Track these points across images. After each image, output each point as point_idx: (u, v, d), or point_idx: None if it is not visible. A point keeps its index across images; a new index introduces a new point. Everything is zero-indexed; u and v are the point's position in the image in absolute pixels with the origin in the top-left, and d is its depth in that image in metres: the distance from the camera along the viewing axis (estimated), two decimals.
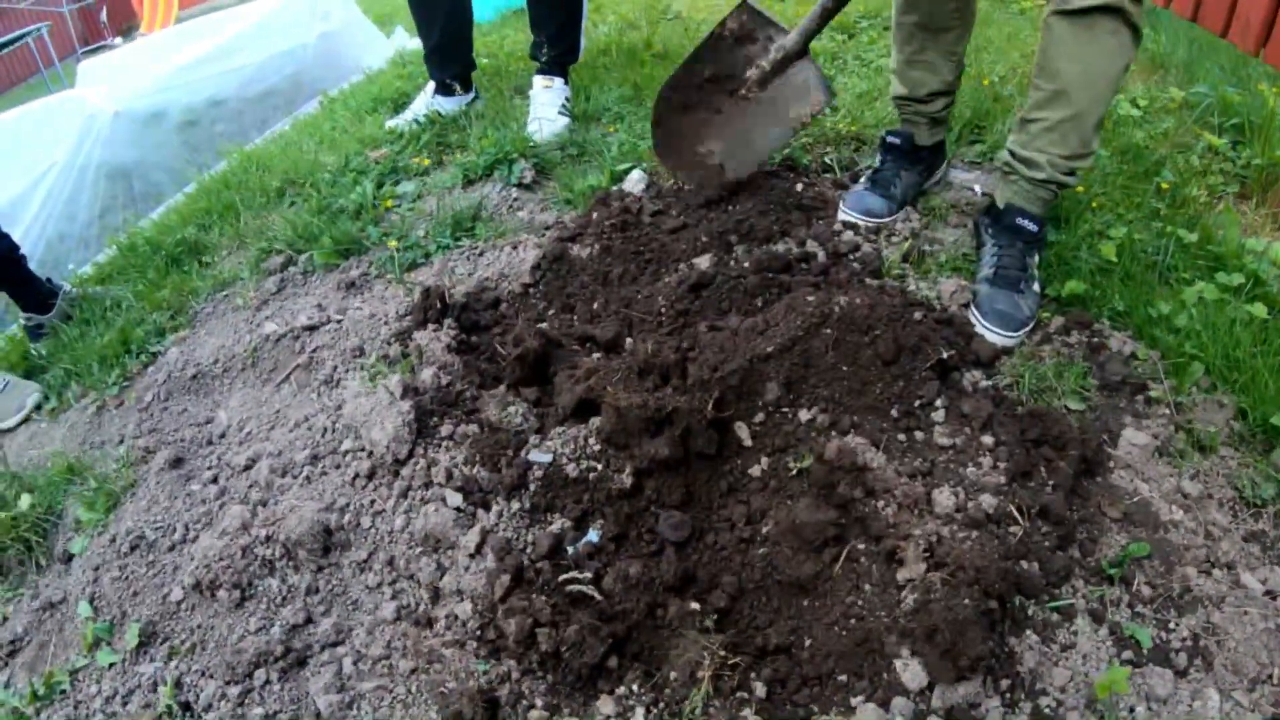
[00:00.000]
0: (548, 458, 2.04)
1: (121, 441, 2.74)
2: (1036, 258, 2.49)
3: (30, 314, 3.43)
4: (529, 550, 1.92)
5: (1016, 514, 1.80)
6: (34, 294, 3.42)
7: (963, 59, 2.79)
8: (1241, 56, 3.61)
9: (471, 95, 4.13)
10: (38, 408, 3.09)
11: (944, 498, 1.81)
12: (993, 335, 2.31)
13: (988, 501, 1.81)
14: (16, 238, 4.60)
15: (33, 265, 4.66)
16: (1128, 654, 1.70)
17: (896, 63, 2.80)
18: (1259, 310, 2.32)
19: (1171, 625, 1.75)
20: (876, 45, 4.30)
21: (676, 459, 1.91)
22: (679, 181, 3.12)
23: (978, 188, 2.99)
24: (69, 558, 2.43)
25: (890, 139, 2.88)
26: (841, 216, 2.83)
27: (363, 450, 2.21)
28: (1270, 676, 1.68)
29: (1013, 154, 2.45)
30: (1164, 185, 2.94)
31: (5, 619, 2.34)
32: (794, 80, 2.84)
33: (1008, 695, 1.65)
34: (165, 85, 5.15)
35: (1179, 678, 1.67)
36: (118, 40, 15.19)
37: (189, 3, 12.74)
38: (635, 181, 3.14)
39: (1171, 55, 4.08)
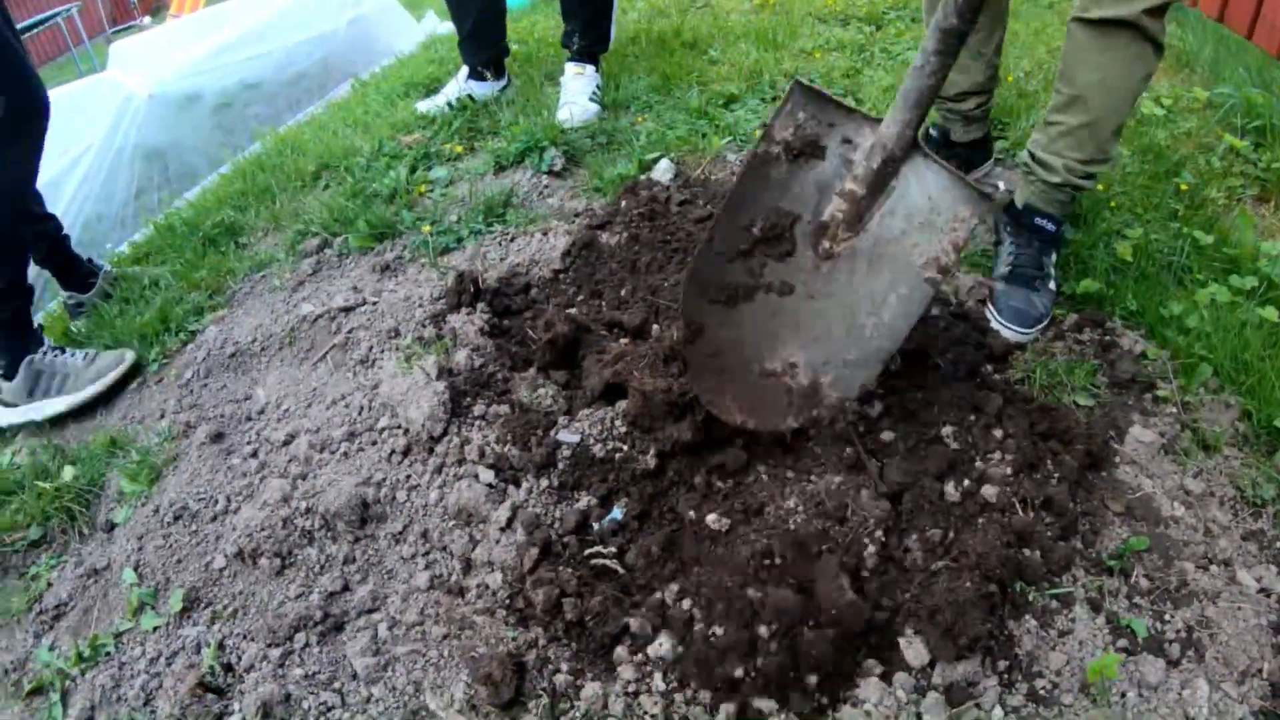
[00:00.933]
0: (576, 438, 2.17)
1: (162, 416, 2.86)
2: (1053, 256, 2.58)
3: (71, 292, 3.54)
4: (557, 526, 2.05)
5: (1020, 505, 1.91)
6: (76, 273, 3.52)
7: (995, 60, 2.83)
8: (1267, 58, 3.66)
9: (504, 82, 4.25)
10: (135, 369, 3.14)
11: (951, 488, 1.92)
12: (1007, 331, 2.40)
13: (992, 491, 1.92)
14: None
15: (70, 244, 4.84)
16: (1123, 642, 1.80)
17: None
18: (1270, 314, 2.39)
19: (1167, 617, 1.85)
20: (904, 38, 4.35)
21: (698, 443, 2.02)
22: (742, 423, 2.04)
23: (1000, 184, 3.06)
24: (111, 527, 2.55)
25: (930, 132, 2.96)
26: None
27: (399, 428, 2.34)
28: (1260, 670, 1.77)
29: (1032, 155, 2.53)
30: (1183, 186, 3.00)
31: (50, 585, 2.45)
32: (910, 198, 1.86)
33: (1005, 676, 1.76)
34: (199, 68, 5.27)
35: (1171, 667, 1.77)
36: (146, 20, 15.40)
37: None
38: (663, 171, 3.24)
39: (1198, 54, 4.12)
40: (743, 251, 1.92)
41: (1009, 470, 1.97)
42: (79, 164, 4.84)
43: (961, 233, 1.81)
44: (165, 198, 4.96)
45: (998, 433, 2.06)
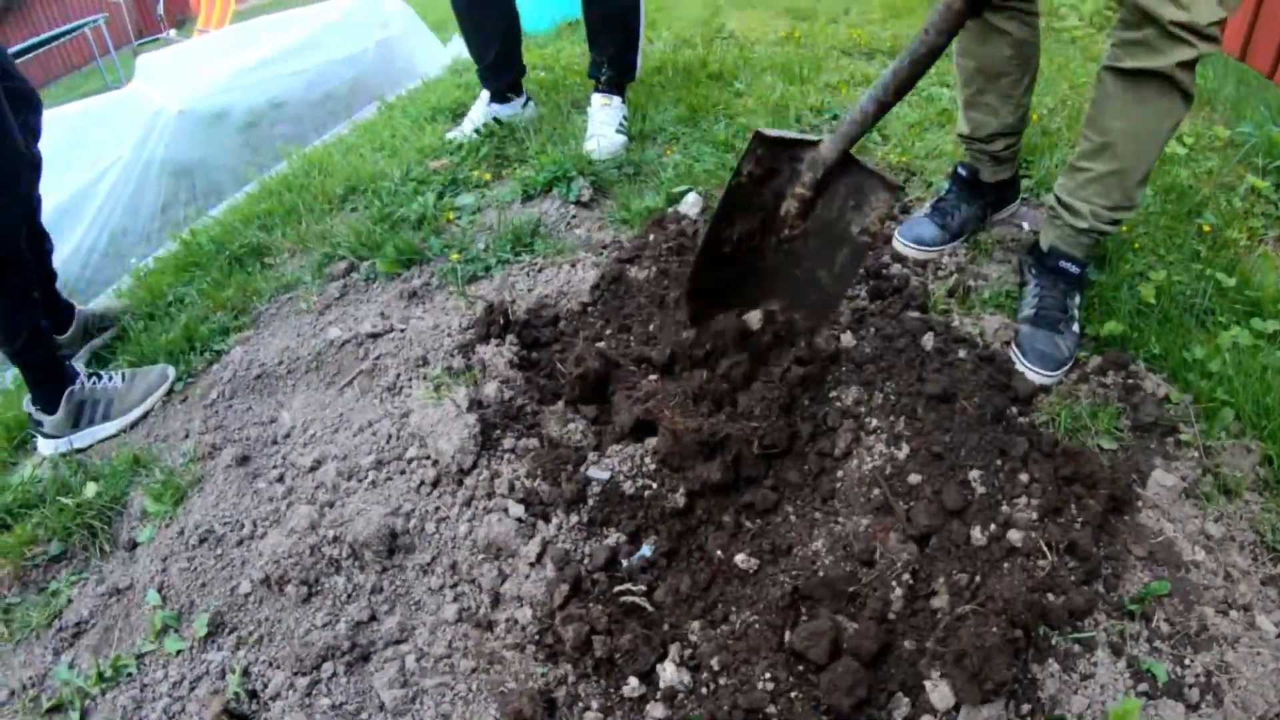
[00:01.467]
0: (606, 475, 2.21)
1: (187, 436, 2.90)
2: (1077, 299, 2.61)
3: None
4: (586, 562, 2.09)
5: (1045, 549, 1.93)
6: (55, 315, 3.40)
7: (1025, 101, 2.86)
8: None
9: (525, 98, 4.31)
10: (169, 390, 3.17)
11: (977, 532, 1.94)
12: (1032, 374, 2.43)
13: (1017, 536, 1.94)
14: (80, 230, 4.83)
15: (96, 256, 4.88)
16: (1143, 686, 1.83)
17: (960, 100, 2.91)
18: None
19: (1187, 661, 1.87)
20: (928, 74, 4.39)
21: (727, 483, 2.06)
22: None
23: (1025, 224, 3.09)
24: (133, 545, 2.59)
25: (959, 170, 3.00)
26: (894, 245, 2.95)
27: (428, 458, 2.37)
28: (1278, 715, 1.79)
29: (1058, 199, 2.56)
30: (1205, 228, 3.04)
31: (70, 601, 2.48)
32: (842, 191, 2.37)
33: (1028, 719, 1.78)
34: (228, 86, 5.34)
35: (1190, 711, 1.79)
36: (172, 32, 15.56)
37: None
38: (690, 204, 3.28)
39: (1219, 92, 4.16)
40: (727, 252, 2.44)
41: (1034, 515, 2.00)
42: (106, 176, 4.90)
43: (882, 209, 2.32)
44: (191, 213, 5.01)
45: (1023, 477, 2.09)
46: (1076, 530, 1.98)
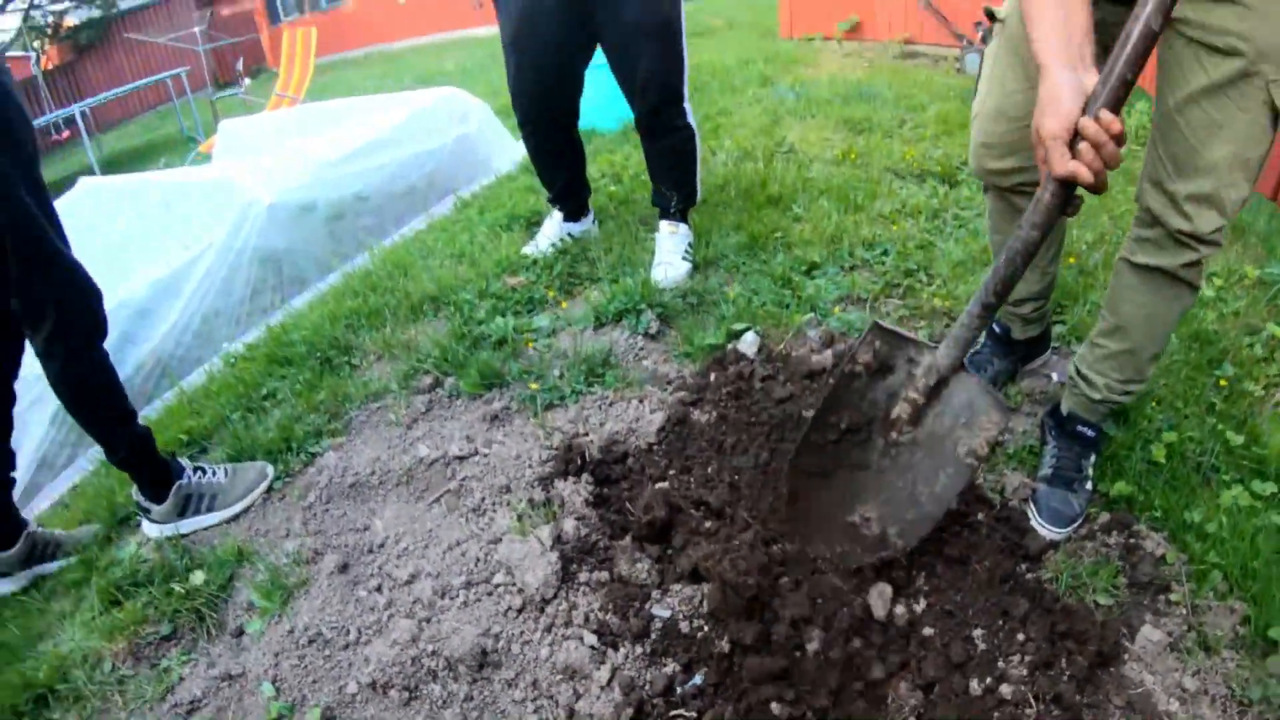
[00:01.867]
0: (667, 614, 2.66)
1: (287, 535, 3.31)
2: (1092, 459, 2.97)
3: None
4: (648, 687, 2.51)
5: (1032, 700, 2.35)
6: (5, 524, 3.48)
7: (1051, 269, 3.20)
8: None
9: (592, 217, 4.84)
10: (269, 488, 3.58)
11: (975, 684, 2.39)
12: (1044, 530, 2.80)
13: (1008, 690, 2.37)
14: (176, 310, 5.30)
15: (189, 336, 5.37)
16: None
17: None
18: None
19: None
20: (974, 202, 4.77)
21: (762, 641, 2.50)
22: (828, 561, 2.71)
23: (1054, 374, 3.47)
24: (240, 633, 2.97)
25: (993, 326, 3.35)
26: None
27: (514, 586, 2.83)
28: None
29: (1077, 369, 2.92)
30: (1223, 381, 3.33)
31: (181, 679, 2.85)
32: (955, 404, 2.51)
33: None
34: (315, 179, 5.85)
35: None
36: (247, 81, 16.49)
37: (324, 50, 13.86)
38: (749, 344, 3.70)
39: (1252, 225, 4.47)
40: (832, 442, 2.66)
41: (1025, 671, 2.41)
42: (199, 262, 5.35)
43: (992, 431, 2.47)
44: (276, 299, 5.52)
45: (1020, 636, 2.50)
46: (1064, 683, 2.36)
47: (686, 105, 4.41)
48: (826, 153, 5.90)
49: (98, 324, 3.18)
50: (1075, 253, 4.22)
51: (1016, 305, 3.29)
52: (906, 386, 2.54)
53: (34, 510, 4.14)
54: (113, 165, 16.43)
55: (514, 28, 4.23)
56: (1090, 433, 2.95)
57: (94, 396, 3.24)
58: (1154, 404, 3.26)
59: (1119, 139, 1.96)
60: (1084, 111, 1.98)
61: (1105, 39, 2.15)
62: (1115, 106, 1.95)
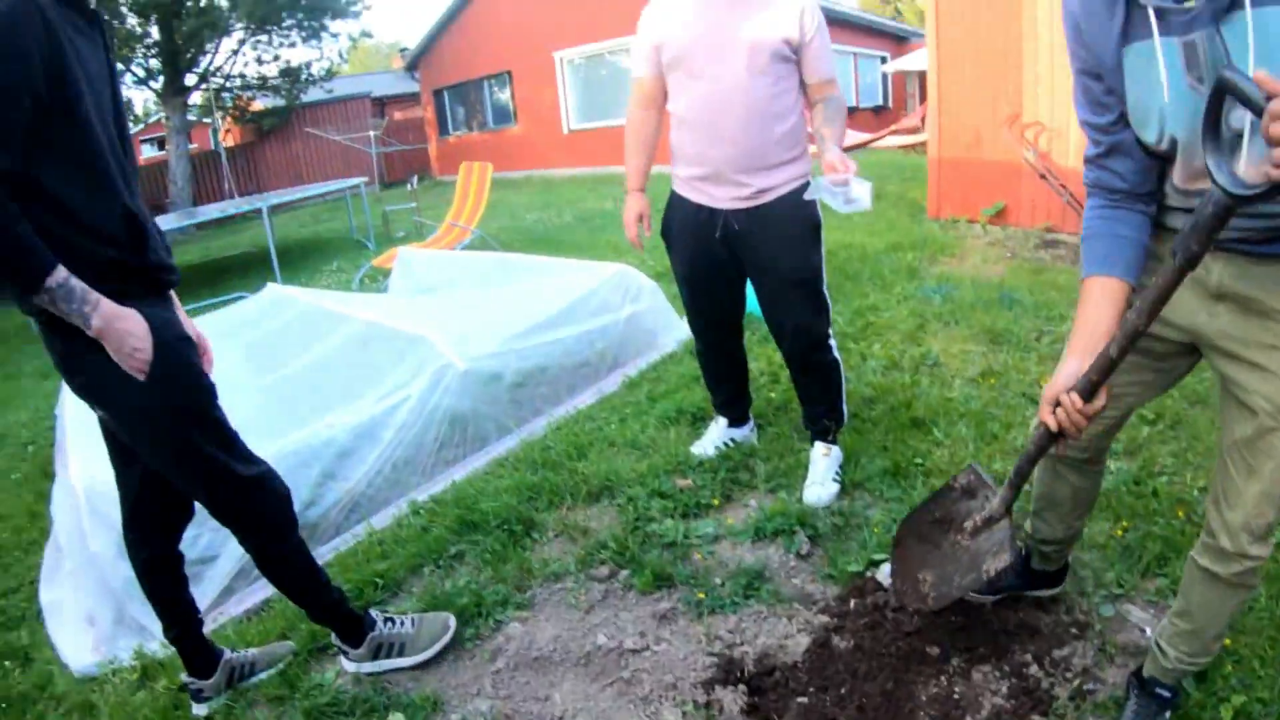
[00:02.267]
0: None
1: (478, 693, 3.93)
2: (1167, 714, 3.42)
3: (193, 678, 3.93)
4: None
5: None
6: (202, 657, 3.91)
7: (1078, 526, 3.75)
8: None
9: (752, 425, 5.58)
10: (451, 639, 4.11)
11: None
12: None
13: None
14: (373, 455, 6.10)
15: (380, 480, 6.16)
16: None
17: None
18: None
19: None
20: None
21: None
22: (897, 597, 3.95)
23: (1149, 630, 3.90)
24: None
25: (1023, 547, 3.91)
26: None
27: None
28: None
29: (1155, 641, 3.41)
30: None
31: None
32: (994, 538, 3.42)
33: None
34: (504, 349, 6.61)
35: None
36: (415, 180, 18.01)
37: (501, 167, 15.18)
38: (886, 576, 4.28)
39: None
40: (928, 521, 3.74)
41: None
42: (397, 412, 6.03)
43: (998, 565, 3.38)
44: (460, 455, 6.29)
45: None
46: None
47: (831, 342, 5.11)
48: (968, 368, 6.47)
49: (280, 526, 3.56)
50: (1185, 504, 4.57)
51: (1040, 541, 3.85)
52: (975, 512, 3.54)
53: (226, 614, 4.82)
54: (284, 253, 17.68)
55: (686, 269, 5.15)
56: (1166, 694, 3.42)
57: (288, 576, 3.72)
58: (1233, 664, 3.63)
59: (1084, 413, 2.72)
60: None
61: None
62: (1103, 376, 2.66)
